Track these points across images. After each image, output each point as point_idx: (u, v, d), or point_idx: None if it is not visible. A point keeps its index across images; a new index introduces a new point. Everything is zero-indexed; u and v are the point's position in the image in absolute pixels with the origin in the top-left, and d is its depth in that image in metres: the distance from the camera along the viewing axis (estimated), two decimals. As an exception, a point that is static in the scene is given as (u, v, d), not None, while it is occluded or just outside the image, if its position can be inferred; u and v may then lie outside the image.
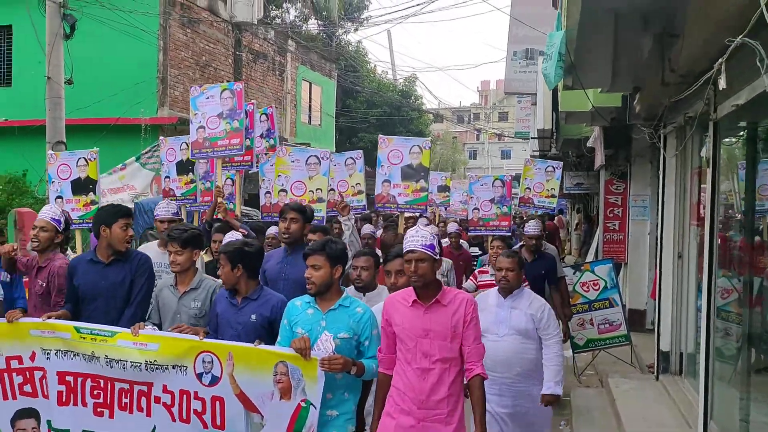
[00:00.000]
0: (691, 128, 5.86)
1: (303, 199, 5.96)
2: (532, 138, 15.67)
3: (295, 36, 21.23)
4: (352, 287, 4.37)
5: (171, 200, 6.23)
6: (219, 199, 6.09)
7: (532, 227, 6.40)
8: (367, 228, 7.89)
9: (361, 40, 54.80)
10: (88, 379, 3.78)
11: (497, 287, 4.55)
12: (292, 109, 20.93)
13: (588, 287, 7.88)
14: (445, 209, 13.25)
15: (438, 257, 3.43)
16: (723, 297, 5.23)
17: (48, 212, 4.50)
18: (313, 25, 25.39)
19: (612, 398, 6.79)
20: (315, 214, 5.61)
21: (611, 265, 8.13)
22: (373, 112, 26.69)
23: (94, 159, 6.31)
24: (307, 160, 6.21)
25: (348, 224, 5.71)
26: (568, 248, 20.86)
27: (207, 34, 16.15)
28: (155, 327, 3.88)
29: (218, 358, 3.57)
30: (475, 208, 7.37)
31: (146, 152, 11.00)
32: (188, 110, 7.05)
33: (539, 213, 8.39)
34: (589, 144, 11.11)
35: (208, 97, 6.39)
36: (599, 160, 10.37)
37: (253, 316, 3.82)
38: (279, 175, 6.27)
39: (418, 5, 56.53)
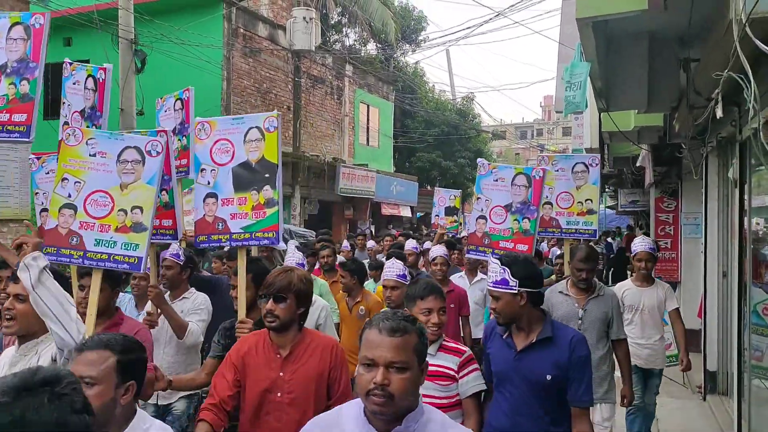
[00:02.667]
0: (729, 147, 5.92)
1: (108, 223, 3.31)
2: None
3: (353, 60, 21.87)
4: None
5: None
6: (24, 236, 3.05)
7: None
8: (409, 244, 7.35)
9: (419, 62, 55.36)
10: None
11: (364, 406, 1.85)
12: (351, 131, 21.53)
13: (635, 306, 7.84)
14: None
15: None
16: (765, 313, 5.24)
17: None
18: (372, 49, 26.07)
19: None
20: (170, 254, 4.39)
21: (658, 283, 8.08)
22: (431, 132, 27.03)
23: None
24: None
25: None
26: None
27: (267, 63, 16.94)
28: None
29: None
30: (480, 216, 4.49)
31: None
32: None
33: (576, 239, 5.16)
34: (638, 163, 11.07)
35: None
36: (648, 178, 10.33)
37: None
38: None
39: (468, 28, 56.86)
